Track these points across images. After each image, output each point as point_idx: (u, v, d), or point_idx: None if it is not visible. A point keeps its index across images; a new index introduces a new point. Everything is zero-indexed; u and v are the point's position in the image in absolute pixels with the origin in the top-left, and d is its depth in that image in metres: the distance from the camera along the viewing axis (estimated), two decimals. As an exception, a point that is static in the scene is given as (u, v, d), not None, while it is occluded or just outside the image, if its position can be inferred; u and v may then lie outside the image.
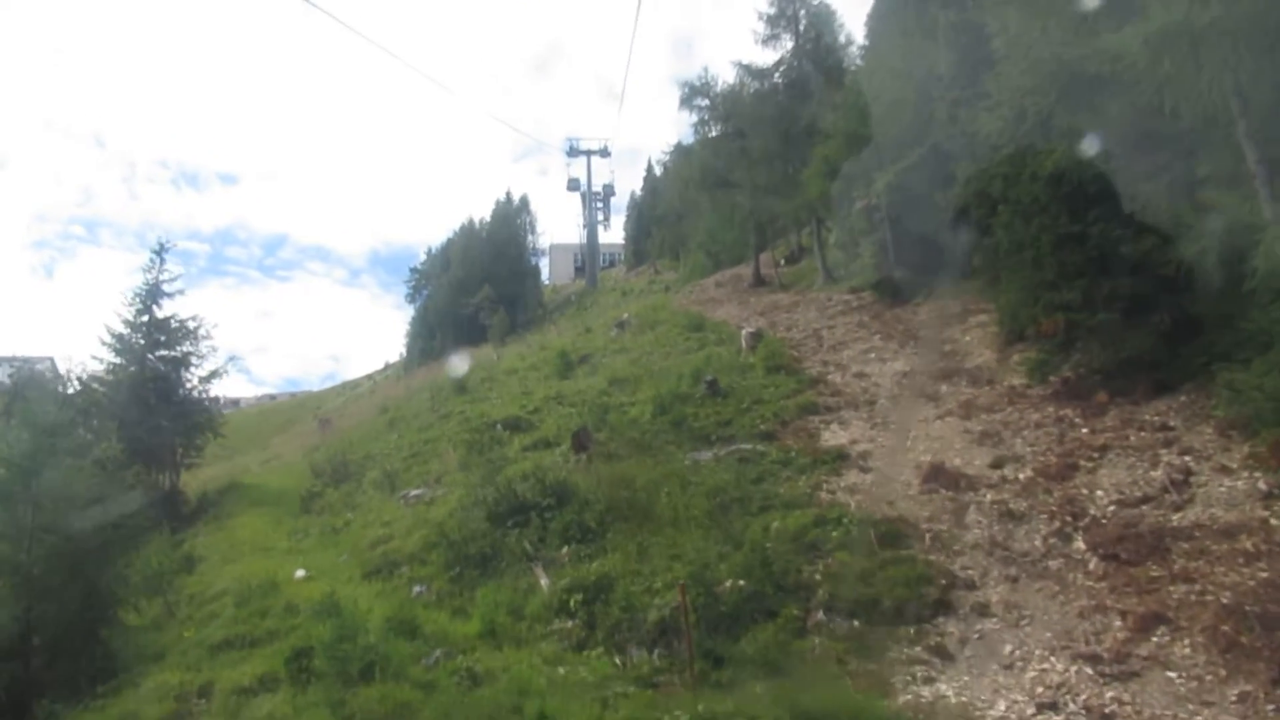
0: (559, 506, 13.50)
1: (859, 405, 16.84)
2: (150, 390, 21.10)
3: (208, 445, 24.15)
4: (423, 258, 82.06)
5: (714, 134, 35.76)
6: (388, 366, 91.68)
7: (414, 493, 16.26)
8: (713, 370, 19.73)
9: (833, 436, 15.62)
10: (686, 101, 35.47)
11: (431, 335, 69.94)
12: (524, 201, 74.39)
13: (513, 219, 73.52)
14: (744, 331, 22.07)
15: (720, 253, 49.30)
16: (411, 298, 77.67)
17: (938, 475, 13.15)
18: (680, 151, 37.78)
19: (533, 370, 25.39)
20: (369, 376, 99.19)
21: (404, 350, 78.71)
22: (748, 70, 32.67)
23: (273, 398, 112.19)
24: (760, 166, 31.75)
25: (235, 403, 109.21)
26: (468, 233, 72.42)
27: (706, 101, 35.36)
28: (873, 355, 19.52)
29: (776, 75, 32.86)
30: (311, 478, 19.84)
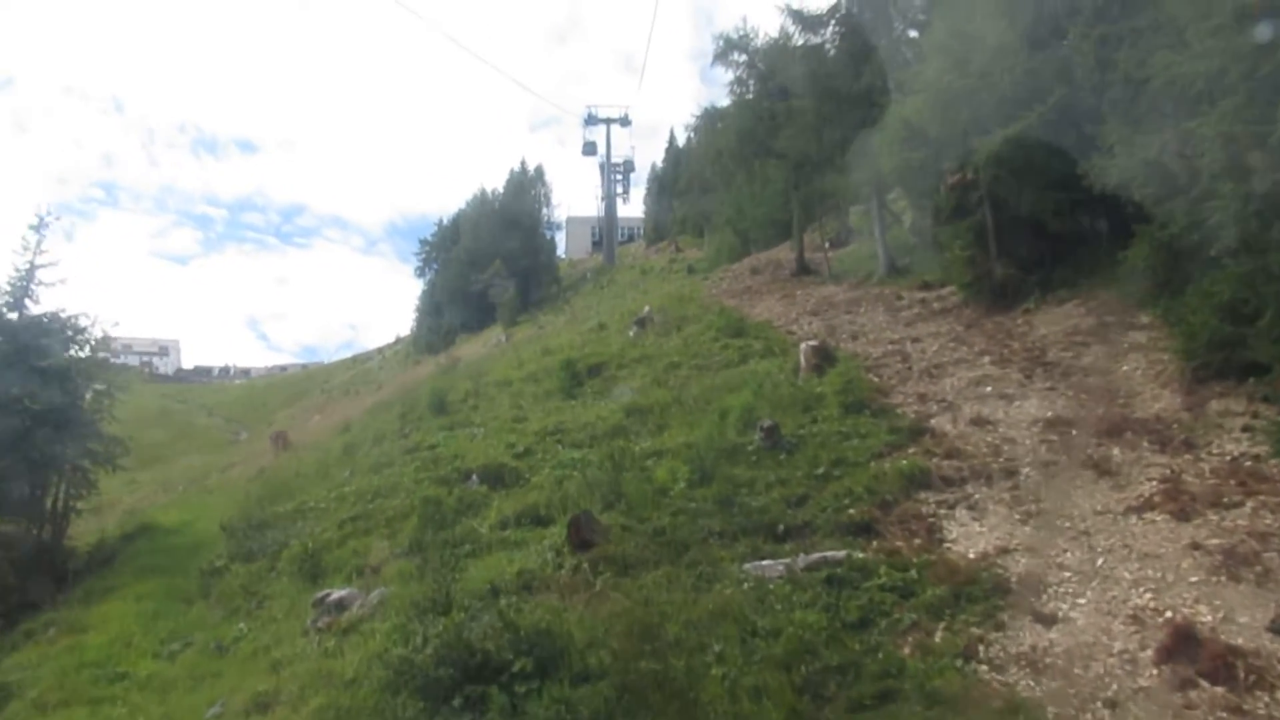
0: (540, 675, 7.84)
1: (992, 476, 11.06)
2: (20, 415, 15.59)
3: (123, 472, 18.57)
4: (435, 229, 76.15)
5: (751, 95, 29.75)
6: (399, 340, 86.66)
7: (335, 595, 10.69)
8: (766, 402, 14.06)
9: (966, 536, 9.88)
10: (721, 56, 29.43)
11: (439, 313, 64.36)
12: (539, 172, 68.28)
13: (527, 190, 67.50)
14: (803, 345, 16.28)
15: (750, 230, 43.51)
16: (421, 271, 71.97)
17: (1184, 647, 7.42)
18: (711, 116, 31.65)
19: (530, 383, 19.72)
20: (379, 350, 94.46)
21: (413, 326, 73.24)
22: (797, 17, 26.49)
23: (283, 369, 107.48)
24: (810, 133, 25.73)
25: (246, 373, 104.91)
26: (479, 204, 66.53)
27: (744, 57, 29.32)
28: (989, 389, 13.69)
29: (831, 25, 26.69)
30: (224, 539, 14.40)
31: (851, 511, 10.46)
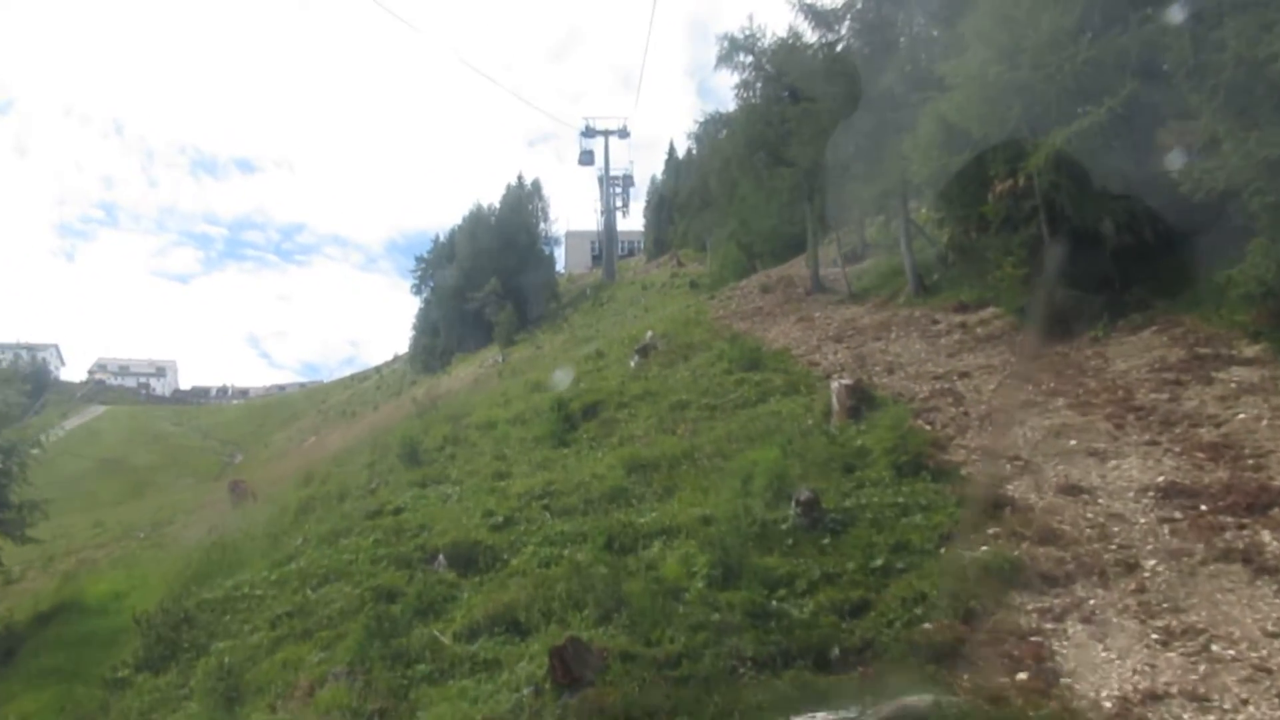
0: None
1: (1106, 572, 8.31)
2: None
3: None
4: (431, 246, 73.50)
5: (758, 99, 27.12)
6: (396, 359, 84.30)
7: (249, 742, 8.03)
8: (797, 459, 11.39)
9: (1089, 668, 7.13)
10: (726, 58, 26.77)
11: (435, 333, 61.71)
12: (536, 186, 65.70)
13: (524, 204, 64.90)
14: (835, 383, 13.58)
15: (754, 244, 40.95)
16: (417, 289, 69.28)
17: None
18: (716, 122, 28.92)
19: (517, 425, 16.99)
20: (377, 369, 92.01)
21: (410, 345, 70.57)
22: (810, 12, 23.86)
23: (282, 388, 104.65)
24: (825, 138, 23.08)
25: (244, 393, 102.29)
26: (475, 220, 63.87)
27: (751, 58, 26.70)
28: (1073, 443, 10.95)
29: (847, 21, 24.07)
30: (138, 632, 11.63)
31: (928, 626, 7.75)
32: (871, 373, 15.84)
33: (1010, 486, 10.15)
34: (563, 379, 19.56)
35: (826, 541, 9.25)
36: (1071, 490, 9.81)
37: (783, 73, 25.56)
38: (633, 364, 19.82)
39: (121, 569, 17.34)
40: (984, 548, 8.84)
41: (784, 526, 9.61)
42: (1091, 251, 14.97)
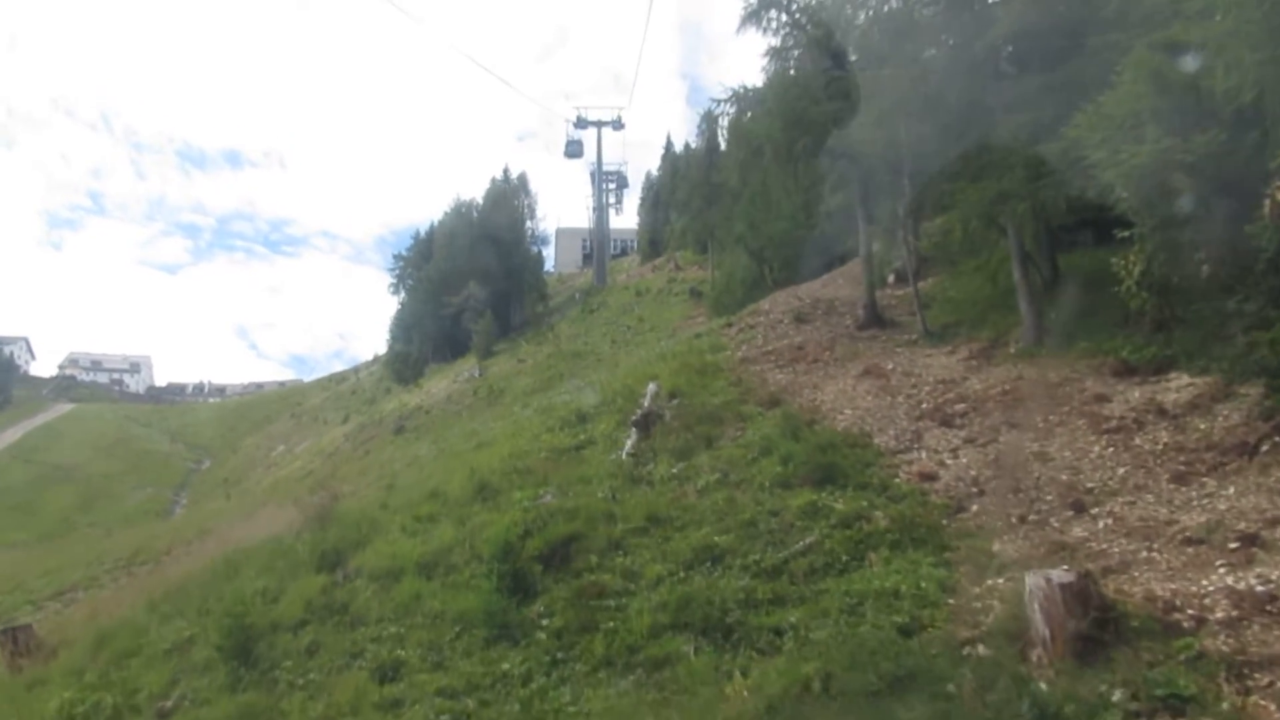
0: None
1: None
2: None
3: None
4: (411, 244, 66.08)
5: (793, 70, 20.06)
6: (376, 360, 77.22)
7: None
8: None
9: None
10: (753, 17, 19.74)
11: (411, 339, 54.42)
12: (523, 180, 58.56)
13: (509, 200, 57.68)
14: (1036, 581, 6.46)
15: (765, 249, 33.93)
16: (395, 289, 62.01)
17: None
18: (744, 99, 21.38)
19: (438, 577, 9.65)
20: (356, 370, 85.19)
21: (386, 351, 63.20)
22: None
23: (260, 386, 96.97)
24: (897, 118, 16.06)
25: (221, 391, 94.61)
26: (456, 216, 56.54)
27: (786, 17, 19.63)
28: None
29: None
30: None
31: None
32: (1040, 505, 8.85)
33: None
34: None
35: None
36: None
37: (831, 34, 18.42)
38: (628, 446, 12.68)
39: None
40: None
41: None
42: None
